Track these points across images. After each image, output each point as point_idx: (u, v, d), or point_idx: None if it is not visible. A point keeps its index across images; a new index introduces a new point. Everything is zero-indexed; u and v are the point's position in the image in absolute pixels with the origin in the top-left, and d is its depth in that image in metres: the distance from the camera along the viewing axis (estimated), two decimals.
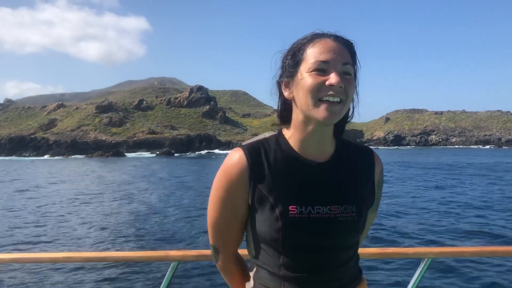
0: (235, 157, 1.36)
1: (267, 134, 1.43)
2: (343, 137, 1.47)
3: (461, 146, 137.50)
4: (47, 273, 8.88)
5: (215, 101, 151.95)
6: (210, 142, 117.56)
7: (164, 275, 2.34)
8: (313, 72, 1.26)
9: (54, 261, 2.45)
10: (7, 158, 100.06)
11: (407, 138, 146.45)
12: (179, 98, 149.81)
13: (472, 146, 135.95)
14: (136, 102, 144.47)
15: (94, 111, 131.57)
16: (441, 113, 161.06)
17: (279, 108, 1.45)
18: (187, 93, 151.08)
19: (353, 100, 1.35)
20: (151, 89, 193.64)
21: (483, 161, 56.23)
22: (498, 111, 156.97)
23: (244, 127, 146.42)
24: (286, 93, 1.36)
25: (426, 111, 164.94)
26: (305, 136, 1.34)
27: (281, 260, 1.32)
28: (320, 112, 1.25)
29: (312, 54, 1.27)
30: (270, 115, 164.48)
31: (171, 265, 2.29)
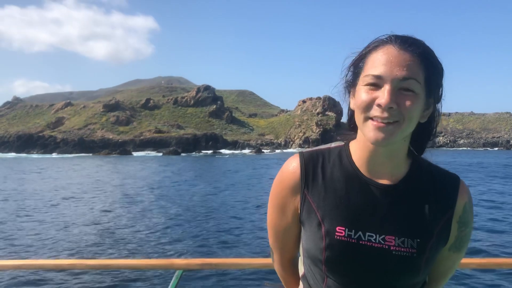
0: (291, 164, 1.30)
1: (333, 144, 1.33)
2: (426, 160, 1.30)
3: (468, 148, 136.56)
4: (52, 279, 8.86)
5: (222, 101, 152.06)
6: (217, 141, 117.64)
7: (168, 284, 2.32)
8: (366, 86, 1.15)
9: (59, 268, 2.47)
10: (16, 155, 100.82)
11: None
12: (186, 98, 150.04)
13: (479, 148, 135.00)
14: (143, 101, 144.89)
15: (102, 110, 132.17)
16: (449, 114, 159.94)
17: (348, 117, 1.33)
18: (194, 92, 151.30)
19: (433, 117, 1.23)
20: (158, 88, 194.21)
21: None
22: (507, 113, 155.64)
23: (250, 127, 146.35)
24: (351, 103, 1.26)
25: None
26: (367, 153, 1.22)
27: (324, 284, 1.24)
28: (367, 132, 1.14)
29: (369, 65, 1.16)
30: (276, 115, 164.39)
31: (176, 274, 2.29)
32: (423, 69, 1.13)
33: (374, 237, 1.17)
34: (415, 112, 1.13)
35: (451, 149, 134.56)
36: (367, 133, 1.14)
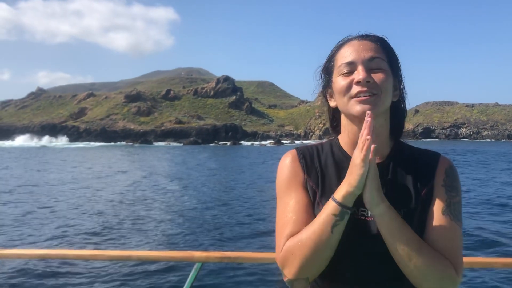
0: (289, 155, 1.43)
1: (324, 140, 1.47)
2: (406, 142, 1.43)
3: (492, 140, 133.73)
4: (72, 269, 9.03)
5: (242, 92, 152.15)
6: (236, 132, 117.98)
7: (187, 276, 2.34)
8: (342, 75, 1.30)
9: (80, 257, 2.49)
10: (38, 143, 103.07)
11: (436, 130, 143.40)
12: (206, 89, 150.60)
13: (503, 140, 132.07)
14: (163, 92, 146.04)
15: (123, 101, 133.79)
16: (473, 105, 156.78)
17: (330, 119, 1.49)
18: (214, 83, 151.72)
19: (401, 96, 1.38)
20: (179, 79, 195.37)
21: None
22: None
23: (270, 118, 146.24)
24: (331, 103, 1.41)
25: (457, 103, 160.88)
26: (353, 137, 1.33)
27: None
28: (353, 107, 1.27)
29: (339, 59, 1.32)
30: (296, 106, 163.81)
31: (195, 266, 2.30)
32: (384, 52, 1.32)
33: (366, 211, 1.27)
34: (388, 84, 1.29)
35: (474, 140, 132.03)
36: (352, 109, 1.27)
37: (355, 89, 1.26)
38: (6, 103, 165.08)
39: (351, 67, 1.28)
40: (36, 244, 11.38)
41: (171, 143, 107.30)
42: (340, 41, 1.37)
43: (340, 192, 1.20)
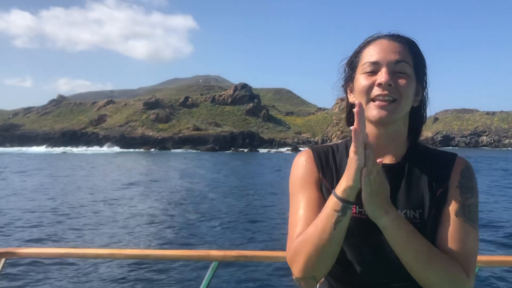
0: (304, 155, 1.43)
1: (339, 141, 1.45)
2: (424, 144, 1.42)
3: None
4: (90, 268, 9.15)
5: (259, 99, 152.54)
6: (253, 139, 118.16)
7: (203, 274, 2.34)
8: (365, 74, 1.28)
9: (99, 256, 2.56)
10: (60, 150, 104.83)
11: (456, 138, 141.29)
12: (223, 96, 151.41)
13: None
14: (182, 99, 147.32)
15: (142, 108, 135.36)
16: (493, 113, 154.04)
17: (347, 113, 1.49)
18: (231, 91, 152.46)
19: (423, 102, 1.35)
20: (196, 86, 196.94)
21: None
22: None
23: (287, 125, 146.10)
24: (350, 98, 1.41)
25: (477, 111, 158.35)
26: (370, 138, 1.24)
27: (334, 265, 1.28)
28: (371, 112, 1.26)
29: (365, 57, 1.30)
30: (313, 113, 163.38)
31: (212, 265, 2.30)
32: (411, 56, 1.29)
33: None
34: (409, 91, 1.27)
35: (495, 149, 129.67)
36: (370, 113, 1.26)
37: (376, 91, 1.25)
38: (28, 110, 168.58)
39: (375, 67, 1.26)
40: (53, 244, 11.65)
41: (188, 150, 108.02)
42: (369, 37, 1.35)
43: (340, 187, 1.18)
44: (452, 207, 1.26)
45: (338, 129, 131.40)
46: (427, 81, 1.35)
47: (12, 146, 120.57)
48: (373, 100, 1.26)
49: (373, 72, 1.27)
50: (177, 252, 2.40)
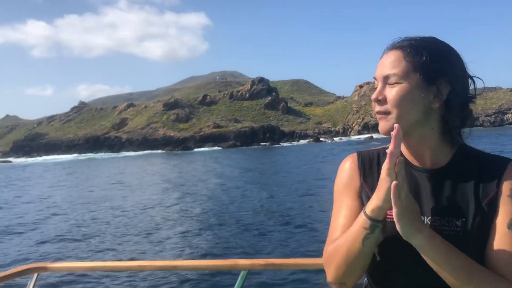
0: (349, 159, 1.44)
1: (387, 145, 1.35)
2: (476, 148, 1.35)
3: None
4: (119, 281, 9.24)
5: (277, 92, 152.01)
6: (274, 133, 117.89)
7: (233, 284, 2.33)
8: (374, 90, 1.31)
9: (129, 269, 2.58)
10: (86, 156, 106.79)
11: (480, 118, 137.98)
12: (241, 91, 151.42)
13: None
14: (200, 98, 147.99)
15: (162, 109, 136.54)
16: None
17: None
18: (249, 85, 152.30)
19: (450, 100, 1.24)
20: (214, 83, 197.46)
21: None
22: None
23: (307, 116, 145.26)
24: None
25: (501, 88, 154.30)
26: (404, 145, 1.31)
27: (373, 267, 1.30)
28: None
29: None
30: (332, 102, 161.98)
31: (241, 274, 2.29)
32: (409, 61, 1.23)
33: (422, 218, 1.21)
34: (404, 100, 1.22)
35: None
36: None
37: (374, 107, 1.29)
38: (52, 118, 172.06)
39: (376, 83, 1.29)
40: (82, 257, 11.79)
41: (210, 147, 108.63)
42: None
43: (370, 206, 1.19)
44: (502, 219, 1.19)
45: (359, 117, 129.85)
46: (457, 75, 1.26)
47: (39, 155, 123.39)
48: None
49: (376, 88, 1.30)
50: (205, 262, 2.39)
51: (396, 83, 1.24)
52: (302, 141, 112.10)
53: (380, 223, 1.18)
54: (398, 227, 1.12)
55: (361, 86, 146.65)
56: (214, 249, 11.81)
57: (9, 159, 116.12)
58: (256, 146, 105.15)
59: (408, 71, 1.23)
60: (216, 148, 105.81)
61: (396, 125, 1.12)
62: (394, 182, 1.08)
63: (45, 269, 2.45)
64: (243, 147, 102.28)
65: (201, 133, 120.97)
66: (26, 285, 2.39)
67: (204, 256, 11.18)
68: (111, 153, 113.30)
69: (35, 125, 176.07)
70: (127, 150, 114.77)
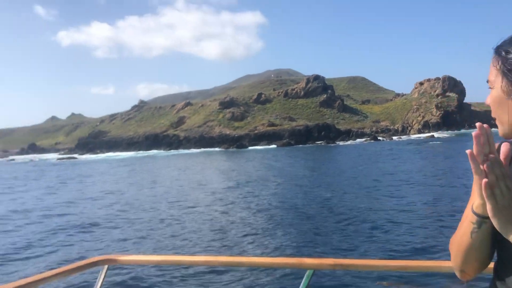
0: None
1: None
2: None
3: None
4: (186, 275, 9.38)
5: (332, 89, 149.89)
6: (329, 131, 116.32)
7: (298, 282, 2.29)
8: None
9: (194, 264, 2.55)
10: (145, 153, 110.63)
11: None
12: (296, 89, 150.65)
13: None
14: (255, 96, 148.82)
15: (218, 107, 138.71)
16: None
17: None
18: (304, 83, 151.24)
19: None
20: (269, 82, 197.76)
21: None
22: None
23: (364, 114, 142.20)
24: None
25: None
26: None
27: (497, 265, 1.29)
28: None
29: None
30: (391, 100, 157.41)
31: (306, 273, 2.25)
32: (495, 65, 1.23)
33: None
34: (492, 106, 1.24)
35: None
36: None
37: None
38: (113, 117, 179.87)
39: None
40: (152, 251, 12.04)
41: (265, 146, 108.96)
42: None
43: (475, 202, 1.19)
44: None
45: (419, 115, 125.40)
46: None
47: (101, 152, 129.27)
48: None
49: None
50: (271, 259, 2.39)
51: (491, 88, 1.25)
52: (358, 140, 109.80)
53: (487, 219, 1.17)
54: (494, 224, 1.11)
55: (421, 83, 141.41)
56: (281, 247, 11.69)
57: (75, 155, 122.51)
58: (311, 145, 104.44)
59: (495, 76, 1.23)
60: (270, 146, 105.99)
61: (477, 124, 1.10)
62: (484, 180, 1.07)
63: (115, 261, 2.51)
64: (298, 146, 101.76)
65: (256, 131, 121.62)
66: (97, 276, 2.48)
67: (269, 253, 11.11)
68: (169, 150, 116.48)
69: (98, 123, 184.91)
70: (184, 148, 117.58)
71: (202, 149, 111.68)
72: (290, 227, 14.07)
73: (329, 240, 12.20)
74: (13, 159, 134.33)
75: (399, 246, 11.02)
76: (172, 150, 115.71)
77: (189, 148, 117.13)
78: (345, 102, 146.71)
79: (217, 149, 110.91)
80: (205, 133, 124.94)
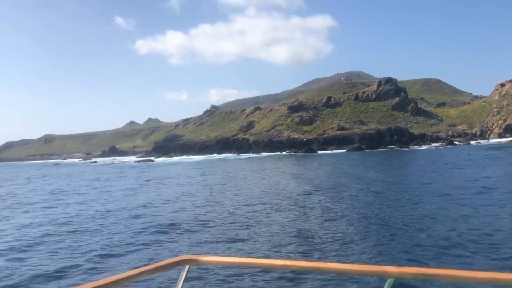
0: None
1: None
2: None
3: None
4: (264, 278, 9.55)
5: (405, 92, 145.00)
6: (402, 135, 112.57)
7: None
8: None
9: (271, 267, 2.63)
10: (218, 156, 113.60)
11: None
12: (366, 92, 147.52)
13: None
14: (324, 100, 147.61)
15: (286, 112, 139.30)
16: None
17: None
18: (375, 86, 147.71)
19: None
20: (338, 85, 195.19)
21: None
22: None
23: (439, 118, 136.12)
24: None
25: None
26: None
27: None
28: None
29: None
30: (469, 102, 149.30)
31: (387, 282, 2.19)
32: None
33: None
34: None
35: None
36: None
37: None
38: (187, 121, 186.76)
39: None
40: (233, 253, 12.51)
41: (334, 150, 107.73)
42: None
43: None
44: None
45: (500, 118, 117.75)
46: None
47: (176, 155, 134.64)
48: None
49: None
50: (351, 266, 2.34)
51: None
52: (433, 144, 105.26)
53: None
54: None
55: (502, 85, 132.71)
56: (360, 254, 11.62)
57: (151, 158, 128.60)
58: (383, 149, 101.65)
59: None
60: (340, 150, 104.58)
61: None
62: None
63: (196, 261, 2.63)
64: (369, 150, 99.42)
65: (325, 135, 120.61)
66: (178, 275, 2.60)
67: (349, 259, 11.10)
68: (239, 154, 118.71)
69: (173, 128, 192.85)
70: (253, 152, 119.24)
71: (271, 153, 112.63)
72: (369, 234, 13.89)
73: (411, 248, 11.89)
74: (96, 161, 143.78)
75: (486, 258, 10.52)
76: (241, 154, 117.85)
77: (258, 152, 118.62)
78: (419, 105, 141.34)
79: (284, 153, 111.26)
80: (274, 137, 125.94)
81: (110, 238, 15.31)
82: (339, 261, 10.89)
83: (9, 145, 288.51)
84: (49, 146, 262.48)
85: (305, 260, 10.83)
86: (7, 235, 17.17)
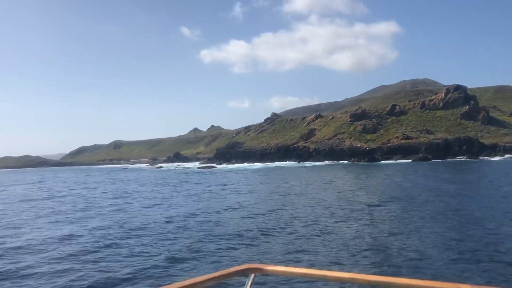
0: None
1: None
2: None
3: None
4: None
5: (476, 100, 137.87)
6: (472, 145, 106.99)
7: None
8: None
9: (339, 280, 2.53)
10: (276, 164, 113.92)
11: None
12: (433, 100, 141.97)
13: None
14: (389, 108, 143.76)
15: (349, 120, 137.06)
16: None
17: None
18: (443, 94, 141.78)
19: None
20: (404, 93, 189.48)
21: None
22: None
23: None
24: None
25: None
26: None
27: None
28: None
29: None
30: None
31: None
32: None
33: None
34: None
35: None
36: None
37: None
38: (248, 129, 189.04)
39: None
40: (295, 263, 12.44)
41: (398, 160, 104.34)
42: None
43: None
44: None
45: None
46: None
47: (237, 162, 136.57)
48: None
49: None
50: (424, 282, 2.17)
51: None
52: (507, 155, 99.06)
53: None
54: None
55: None
56: (434, 270, 11.21)
57: (213, 164, 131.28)
58: (450, 159, 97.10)
59: None
60: (404, 160, 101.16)
61: None
62: None
63: (262, 270, 2.60)
64: (436, 161, 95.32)
65: (389, 144, 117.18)
66: (244, 283, 2.58)
67: (422, 275, 10.71)
68: (299, 162, 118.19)
69: (234, 135, 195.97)
70: (314, 160, 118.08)
71: (331, 162, 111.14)
72: (444, 250, 13.38)
73: (488, 266, 11.34)
74: (161, 166, 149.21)
75: None
76: (301, 162, 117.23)
77: (318, 160, 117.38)
78: (490, 114, 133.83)
79: (346, 161, 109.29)
80: (335, 145, 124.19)
81: (174, 244, 15.70)
82: (411, 277, 10.49)
83: (82, 150, 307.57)
84: (118, 151, 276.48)
85: (374, 274, 10.55)
86: (80, 236, 18.19)
